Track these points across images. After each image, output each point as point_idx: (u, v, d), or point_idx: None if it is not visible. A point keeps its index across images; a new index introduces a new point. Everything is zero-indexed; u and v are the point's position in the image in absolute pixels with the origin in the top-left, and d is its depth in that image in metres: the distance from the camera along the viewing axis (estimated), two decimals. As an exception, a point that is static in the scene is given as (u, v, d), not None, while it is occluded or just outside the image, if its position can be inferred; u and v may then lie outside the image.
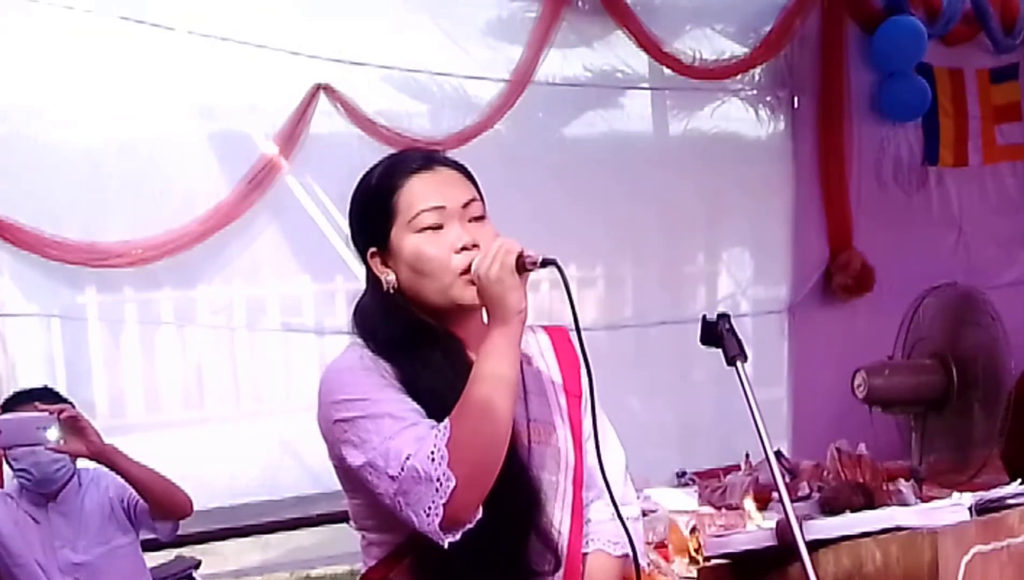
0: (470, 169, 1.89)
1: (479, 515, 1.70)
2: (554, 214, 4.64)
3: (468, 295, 1.77)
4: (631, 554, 1.96)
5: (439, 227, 1.79)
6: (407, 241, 1.79)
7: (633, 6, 4.80)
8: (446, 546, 1.68)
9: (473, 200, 1.83)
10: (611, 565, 1.98)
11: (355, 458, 1.73)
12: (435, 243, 1.78)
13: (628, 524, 1.98)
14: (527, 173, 4.57)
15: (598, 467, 1.96)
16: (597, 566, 1.96)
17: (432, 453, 1.65)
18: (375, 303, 1.86)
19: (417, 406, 1.75)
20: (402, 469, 1.66)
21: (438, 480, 1.65)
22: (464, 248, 1.77)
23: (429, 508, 1.65)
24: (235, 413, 4.49)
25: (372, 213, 1.83)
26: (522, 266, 1.73)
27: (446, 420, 1.69)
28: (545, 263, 1.74)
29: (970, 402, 4.26)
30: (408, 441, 1.68)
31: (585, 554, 1.96)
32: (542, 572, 1.84)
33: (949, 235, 5.88)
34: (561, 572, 1.87)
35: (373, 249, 1.85)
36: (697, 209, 5.29)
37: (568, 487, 1.90)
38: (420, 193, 1.80)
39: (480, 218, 1.82)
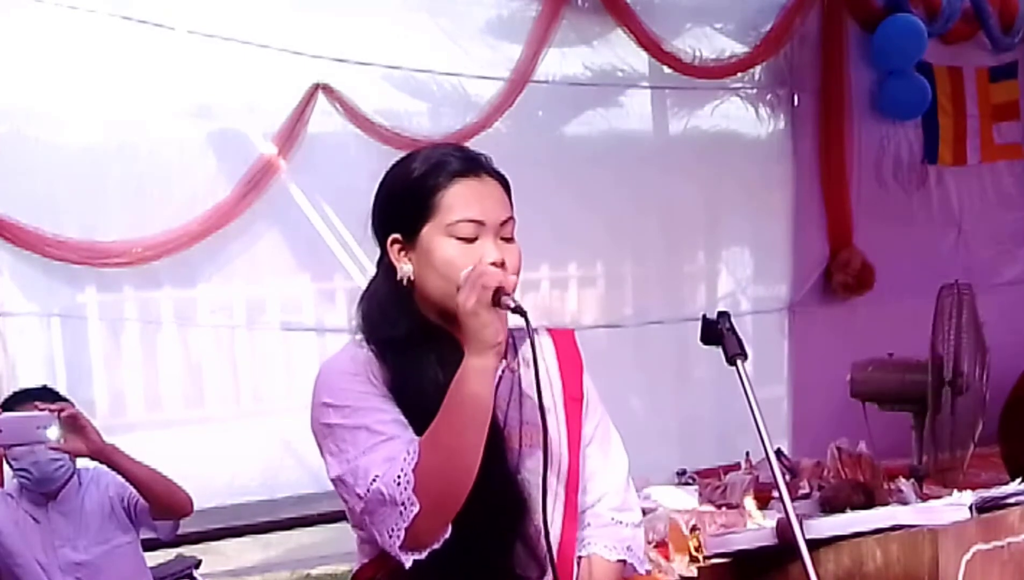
0: (509, 179, 1.88)
1: (446, 535, 1.70)
2: (554, 213, 4.64)
3: None
4: (629, 560, 1.96)
5: (473, 239, 1.78)
6: (438, 243, 1.78)
7: (633, 5, 4.80)
8: (408, 566, 1.69)
9: (510, 219, 1.83)
10: (607, 569, 1.97)
11: (331, 469, 1.76)
12: (466, 253, 1.77)
13: (629, 530, 1.97)
14: (527, 172, 4.51)
15: (599, 471, 1.96)
16: (592, 570, 1.95)
17: (399, 477, 1.67)
18: (386, 291, 1.85)
19: (399, 416, 1.75)
20: (368, 490, 1.68)
21: (402, 504, 1.66)
22: (493, 265, 1.77)
23: (392, 530, 1.67)
24: (235, 412, 4.49)
25: (407, 203, 1.81)
26: (498, 303, 1.72)
27: (415, 444, 1.70)
28: (517, 310, 1.73)
29: (965, 401, 4.27)
30: (378, 460, 1.69)
31: (580, 558, 1.95)
32: (527, 578, 1.84)
33: (949, 233, 5.88)
34: (551, 577, 1.86)
35: (396, 236, 1.83)
36: (697, 208, 5.30)
37: (560, 490, 1.90)
38: (464, 200, 1.79)
39: (511, 239, 1.83)
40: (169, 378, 4.27)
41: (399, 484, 1.66)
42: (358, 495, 1.70)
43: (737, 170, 5.29)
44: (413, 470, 1.67)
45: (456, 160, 1.82)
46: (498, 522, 1.78)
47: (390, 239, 1.83)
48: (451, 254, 1.77)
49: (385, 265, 1.86)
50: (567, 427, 1.93)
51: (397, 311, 1.82)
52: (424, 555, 1.69)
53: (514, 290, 1.76)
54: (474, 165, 1.82)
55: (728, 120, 5.32)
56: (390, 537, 1.68)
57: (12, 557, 3.05)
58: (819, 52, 5.41)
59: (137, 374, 4.22)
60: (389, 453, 1.70)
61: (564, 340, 2.01)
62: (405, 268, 1.82)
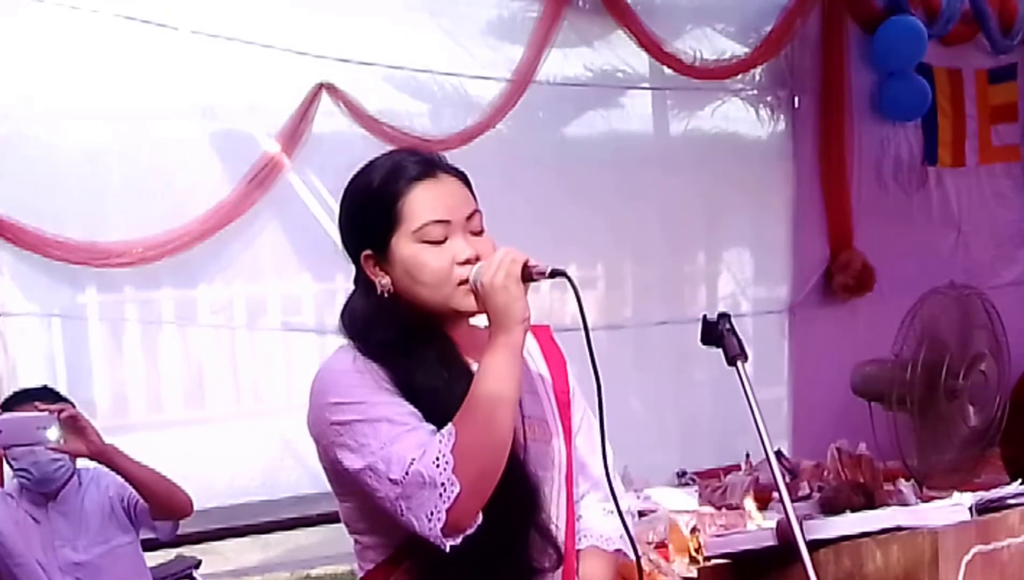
0: (467, 174, 1.88)
1: (479, 520, 1.70)
2: (555, 214, 4.64)
3: (468, 303, 1.78)
4: (624, 549, 1.97)
5: (443, 240, 1.79)
6: (409, 250, 1.79)
7: (634, 6, 4.80)
8: (447, 550, 1.68)
9: (475, 212, 1.83)
10: (604, 561, 1.99)
11: (353, 462, 1.72)
12: (438, 255, 1.78)
13: (619, 519, 1.99)
14: (528, 173, 4.57)
15: (587, 463, 1.97)
16: (591, 562, 1.97)
17: (437, 459, 1.66)
18: (367, 305, 1.85)
19: (413, 409, 1.75)
20: (406, 473, 1.66)
21: (442, 485, 1.65)
22: (467, 261, 1.78)
23: (432, 513, 1.66)
24: (235, 413, 4.49)
25: (371, 217, 1.82)
26: (528, 276, 1.74)
27: (450, 426, 1.69)
28: (554, 274, 1.75)
29: (964, 402, 4.27)
30: (410, 446, 1.68)
31: (578, 551, 1.96)
32: (543, 568, 1.84)
33: (949, 235, 5.89)
34: (560, 569, 1.88)
35: (368, 252, 1.84)
36: (697, 209, 5.29)
37: (562, 484, 1.91)
38: (425, 203, 1.79)
39: (480, 232, 1.83)
40: (170, 378, 4.27)
41: (438, 465, 1.65)
42: (392, 480, 1.67)
43: (737, 171, 5.29)
44: (451, 450, 1.66)
45: (411, 165, 1.82)
46: (512, 515, 1.79)
47: (363, 255, 1.84)
48: (424, 259, 1.78)
49: (363, 280, 1.86)
50: (561, 421, 1.94)
51: (384, 321, 1.82)
52: (459, 540, 1.68)
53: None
54: (430, 166, 1.83)
55: (728, 121, 5.31)
56: (429, 521, 1.66)
57: (12, 557, 3.06)
58: (819, 54, 5.41)
59: (138, 374, 4.22)
60: (418, 439, 1.69)
61: (544, 336, 2.03)
62: (383, 282, 1.82)
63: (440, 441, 1.67)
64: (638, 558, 1.94)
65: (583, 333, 1.79)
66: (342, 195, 1.89)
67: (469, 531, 1.69)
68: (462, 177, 1.86)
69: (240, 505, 4.25)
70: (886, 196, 5.65)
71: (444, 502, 1.65)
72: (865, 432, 4.28)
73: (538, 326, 2.02)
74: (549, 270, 1.75)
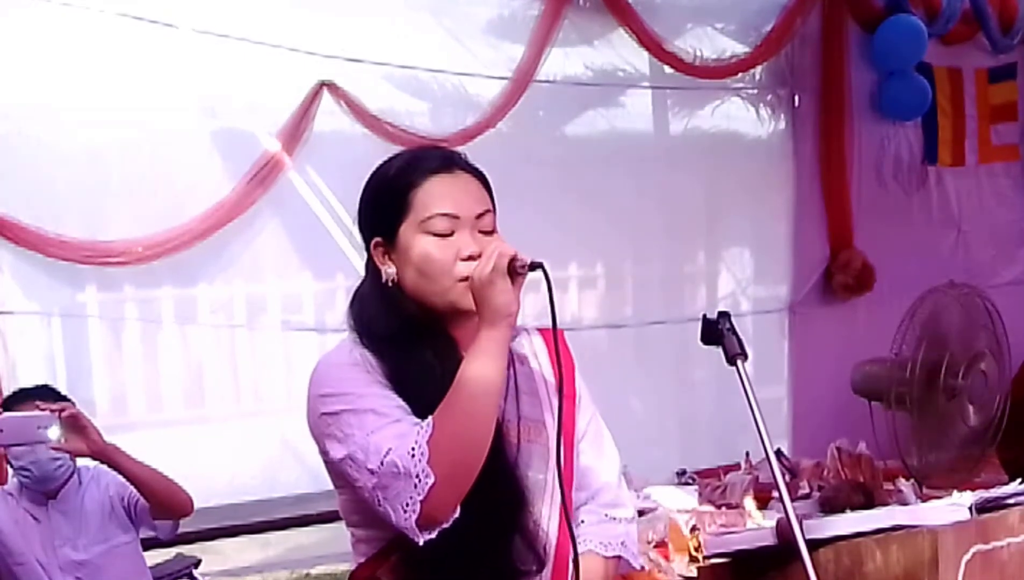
0: (487, 175, 1.89)
1: (456, 515, 1.70)
2: (555, 213, 4.64)
3: (467, 301, 1.78)
4: (624, 556, 1.97)
5: (449, 234, 1.79)
6: (415, 240, 1.80)
7: (634, 4, 4.80)
8: (422, 543, 1.69)
9: (487, 212, 1.84)
10: (602, 566, 1.98)
11: (337, 451, 1.75)
12: (442, 248, 1.79)
13: (623, 526, 1.99)
14: (528, 172, 4.57)
15: (592, 468, 1.97)
16: (587, 567, 1.96)
17: (413, 449, 1.67)
18: (373, 293, 1.87)
19: (402, 403, 1.76)
20: (382, 463, 1.68)
21: (417, 476, 1.66)
22: (470, 257, 1.78)
23: (407, 504, 1.67)
24: (235, 412, 4.49)
25: (384, 204, 1.84)
26: (514, 270, 1.74)
27: (429, 418, 1.70)
28: (532, 267, 1.75)
29: (963, 401, 4.27)
30: (389, 436, 1.70)
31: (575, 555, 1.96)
32: (526, 572, 1.85)
33: (949, 234, 5.89)
34: (549, 572, 1.88)
35: (378, 239, 1.85)
36: (698, 208, 5.29)
37: (556, 486, 1.90)
38: (436, 196, 1.80)
39: (491, 232, 1.83)
40: (169, 378, 4.27)
41: (413, 456, 1.66)
42: (369, 470, 1.69)
43: (738, 170, 5.29)
44: (427, 442, 1.67)
45: (430, 159, 1.85)
46: (497, 516, 1.79)
47: (373, 242, 1.86)
48: (427, 250, 1.79)
49: (372, 268, 1.88)
50: (562, 424, 1.94)
51: (386, 312, 1.83)
52: (435, 534, 1.69)
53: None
54: (448, 162, 1.85)
55: (729, 120, 5.31)
56: (404, 511, 1.67)
57: (12, 556, 3.06)
58: (820, 53, 5.41)
59: (137, 373, 4.22)
60: (399, 430, 1.70)
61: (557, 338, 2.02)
62: (388, 270, 1.84)
63: (417, 432, 1.69)
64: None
65: (552, 328, 1.82)
66: (364, 184, 1.91)
67: (445, 525, 1.70)
68: (480, 177, 1.88)
69: (240, 504, 4.25)
70: (886, 195, 5.65)
71: (419, 493, 1.66)
72: (865, 431, 4.28)
73: (550, 329, 2.03)
74: (528, 263, 1.76)
